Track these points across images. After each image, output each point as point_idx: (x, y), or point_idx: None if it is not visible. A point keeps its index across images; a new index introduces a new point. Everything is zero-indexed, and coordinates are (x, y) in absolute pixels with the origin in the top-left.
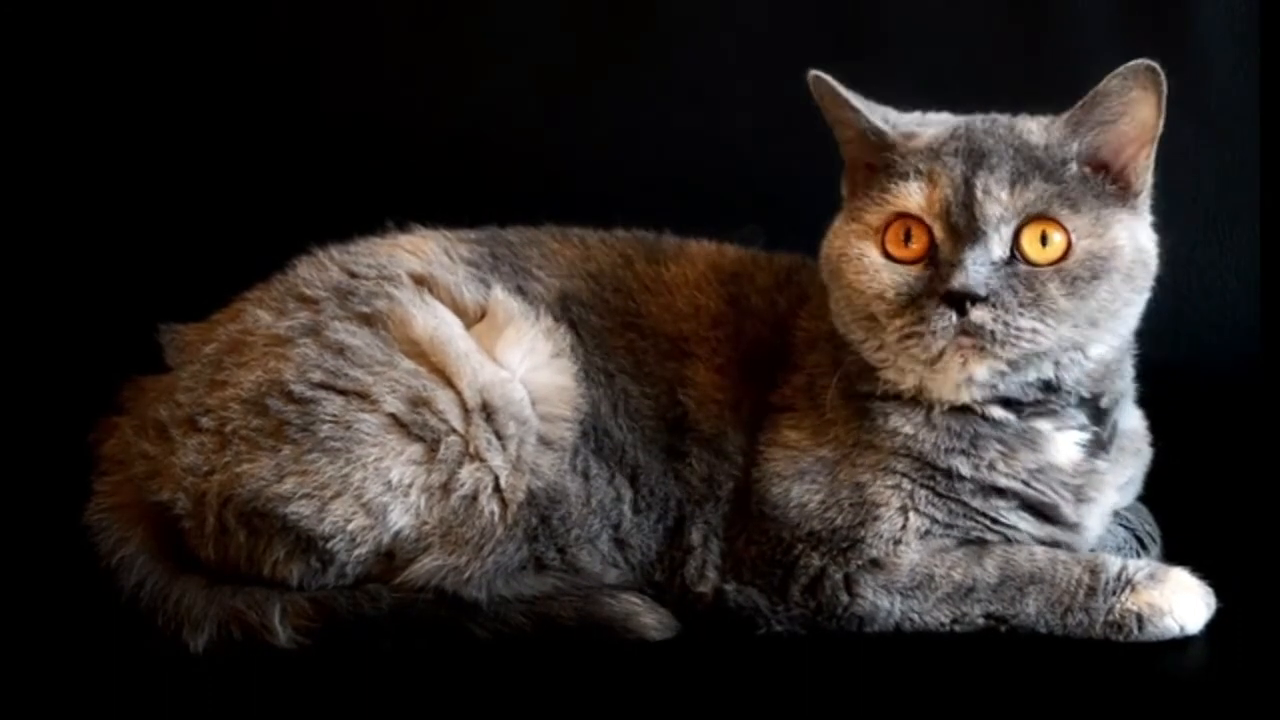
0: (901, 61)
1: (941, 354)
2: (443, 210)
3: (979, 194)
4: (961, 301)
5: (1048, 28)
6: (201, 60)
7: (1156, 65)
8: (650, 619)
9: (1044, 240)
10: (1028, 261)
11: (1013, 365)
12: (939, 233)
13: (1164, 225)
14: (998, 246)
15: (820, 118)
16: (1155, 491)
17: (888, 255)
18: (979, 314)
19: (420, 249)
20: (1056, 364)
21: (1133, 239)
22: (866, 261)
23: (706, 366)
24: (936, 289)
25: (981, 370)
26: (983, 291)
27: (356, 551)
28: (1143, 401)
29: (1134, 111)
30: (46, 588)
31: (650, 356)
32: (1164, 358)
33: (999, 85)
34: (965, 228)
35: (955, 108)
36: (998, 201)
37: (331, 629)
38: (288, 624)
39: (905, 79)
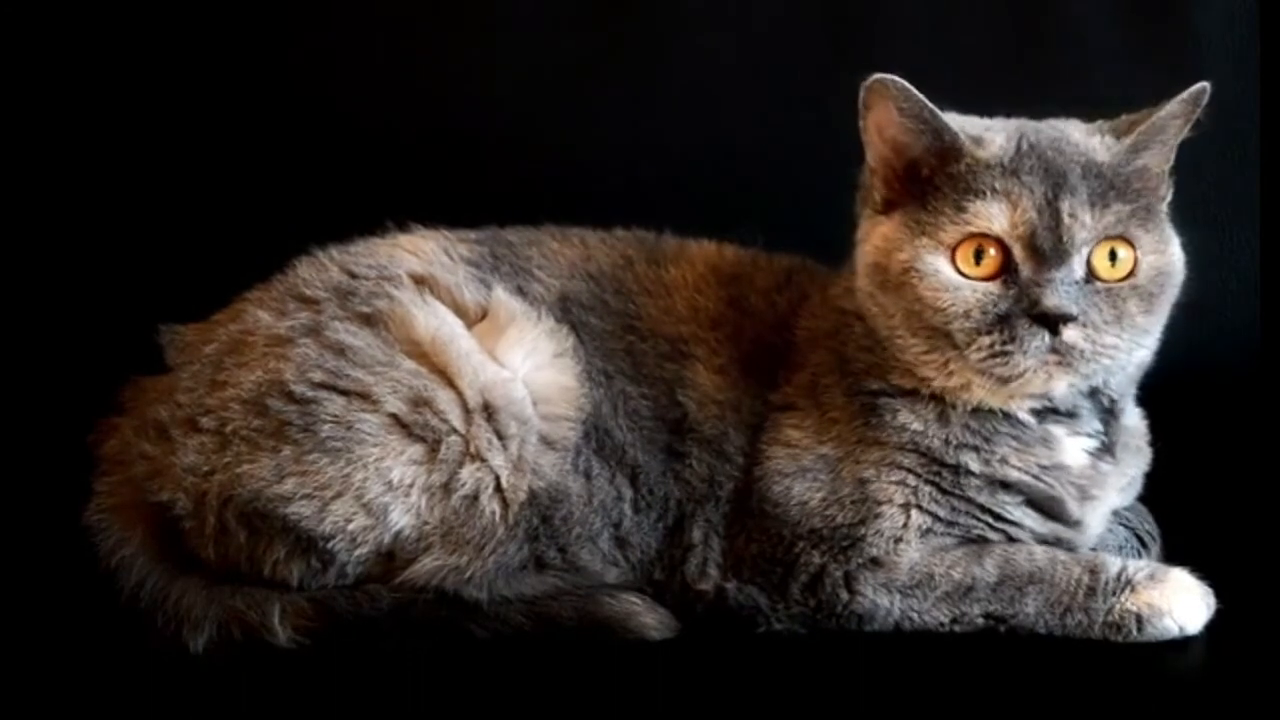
0: (901, 61)
1: (1025, 371)
2: (443, 210)
3: (1065, 217)
4: (1055, 322)
5: (1048, 28)
6: (201, 60)
7: (1208, 85)
8: (650, 618)
9: (1112, 257)
10: (1099, 279)
11: (1085, 378)
12: (1019, 253)
13: None
14: (1079, 266)
15: (825, 118)
16: (1155, 491)
17: (959, 272)
18: (1071, 334)
19: (420, 249)
20: (1108, 371)
21: (1179, 250)
22: (943, 278)
23: (706, 368)
24: (1028, 309)
25: (1061, 385)
26: (1074, 311)
27: (357, 552)
28: (1142, 401)
29: (1180, 129)
30: (46, 588)
31: (649, 359)
32: (1164, 358)
33: (999, 85)
34: (1050, 250)
35: (955, 107)
36: (1084, 225)
37: (331, 629)
38: (287, 624)
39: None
